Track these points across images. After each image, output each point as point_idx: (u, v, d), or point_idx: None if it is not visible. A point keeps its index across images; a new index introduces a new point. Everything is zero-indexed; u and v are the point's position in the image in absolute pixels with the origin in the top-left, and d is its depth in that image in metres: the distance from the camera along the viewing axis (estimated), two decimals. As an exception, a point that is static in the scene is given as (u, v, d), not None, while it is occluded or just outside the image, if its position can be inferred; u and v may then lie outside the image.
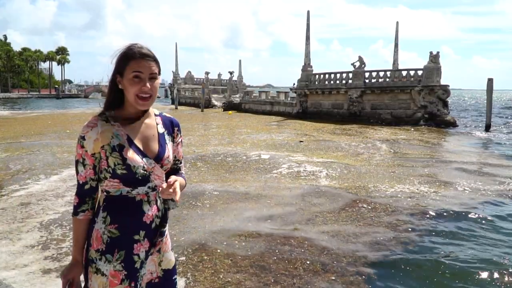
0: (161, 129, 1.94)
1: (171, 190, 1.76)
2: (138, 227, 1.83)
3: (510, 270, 4.57)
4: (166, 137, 1.95)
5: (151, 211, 1.87)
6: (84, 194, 1.83)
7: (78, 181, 1.84)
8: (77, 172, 1.83)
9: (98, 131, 1.78)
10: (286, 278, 4.24)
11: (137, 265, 1.83)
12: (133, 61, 1.78)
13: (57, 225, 5.83)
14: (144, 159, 1.82)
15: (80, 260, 1.85)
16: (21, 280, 4.22)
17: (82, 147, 1.79)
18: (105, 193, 1.84)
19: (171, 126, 2.00)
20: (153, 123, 1.92)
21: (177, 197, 1.78)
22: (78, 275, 1.86)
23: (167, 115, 2.03)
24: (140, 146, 1.84)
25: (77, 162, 1.83)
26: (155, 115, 1.96)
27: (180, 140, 2.04)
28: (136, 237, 1.83)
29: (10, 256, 4.80)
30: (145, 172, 1.81)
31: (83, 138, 1.78)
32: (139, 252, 1.83)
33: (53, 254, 4.82)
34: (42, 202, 6.99)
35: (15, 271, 4.43)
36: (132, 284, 1.81)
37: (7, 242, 5.19)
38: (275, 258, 4.73)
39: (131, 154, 1.79)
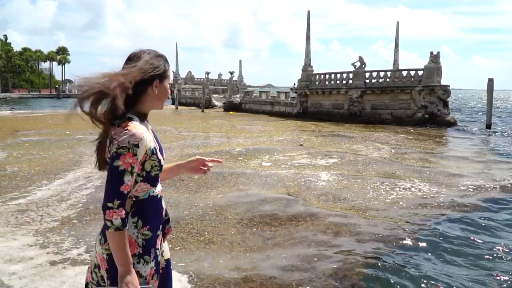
0: (149, 125, 2.02)
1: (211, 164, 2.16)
2: (160, 222, 1.93)
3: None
4: (154, 132, 2.05)
5: (164, 205, 1.99)
6: (125, 203, 1.75)
7: (121, 191, 1.71)
8: (122, 183, 1.71)
9: (148, 137, 1.79)
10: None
11: (159, 258, 1.93)
12: (169, 72, 1.91)
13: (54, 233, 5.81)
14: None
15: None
16: (30, 274, 4.29)
17: (135, 155, 1.72)
18: (133, 199, 1.83)
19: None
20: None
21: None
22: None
23: None
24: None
25: (124, 171, 1.71)
26: None
27: None
28: (158, 232, 1.92)
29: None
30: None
31: (136, 146, 1.72)
32: (159, 246, 1.93)
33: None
34: (44, 209, 6.88)
35: (22, 264, 4.54)
36: (156, 277, 1.90)
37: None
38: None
39: (161, 155, 1.88)
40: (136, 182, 1.81)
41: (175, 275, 3.81)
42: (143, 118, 1.89)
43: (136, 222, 1.83)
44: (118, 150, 1.70)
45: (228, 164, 10.70)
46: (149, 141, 1.80)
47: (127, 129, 1.72)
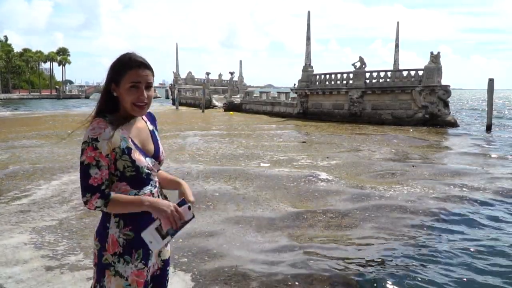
0: (150, 126, 2.02)
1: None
2: (149, 224, 1.88)
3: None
4: (156, 133, 2.04)
5: None
6: (98, 190, 1.76)
7: (90, 184, 1.75)
8: (89, 176, 1.75)
9: (110, 133, 1.79)
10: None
11: (152, 260, 1.94)
12: (131, 71, 1.84)
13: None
14: (147, 158, 1.89)
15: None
16: (27, 278, 4.25)
17: (96, 149, 1.75)
18: None
19: (154, 121, 2.09)
20: (143, 122, 1.99)
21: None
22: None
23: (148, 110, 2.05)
24: (141, 147, 1.90)
25: (88, 165, 1.75)
26: None
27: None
28: None
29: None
30: (148, 171, 1.88)
31: (95, 140, 1.75)
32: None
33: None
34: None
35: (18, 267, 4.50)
36: (147, 278, 1.91)
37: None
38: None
39: (138, 156, 1.85)
40: (112, 181, 1.84)
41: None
42: (124, 119, 1.89)
43: (117, 222, 1.85)
44: (82, 145, 1.79)
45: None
46: (115, 140, 1.80)
47: (90, 125, 1.81)
